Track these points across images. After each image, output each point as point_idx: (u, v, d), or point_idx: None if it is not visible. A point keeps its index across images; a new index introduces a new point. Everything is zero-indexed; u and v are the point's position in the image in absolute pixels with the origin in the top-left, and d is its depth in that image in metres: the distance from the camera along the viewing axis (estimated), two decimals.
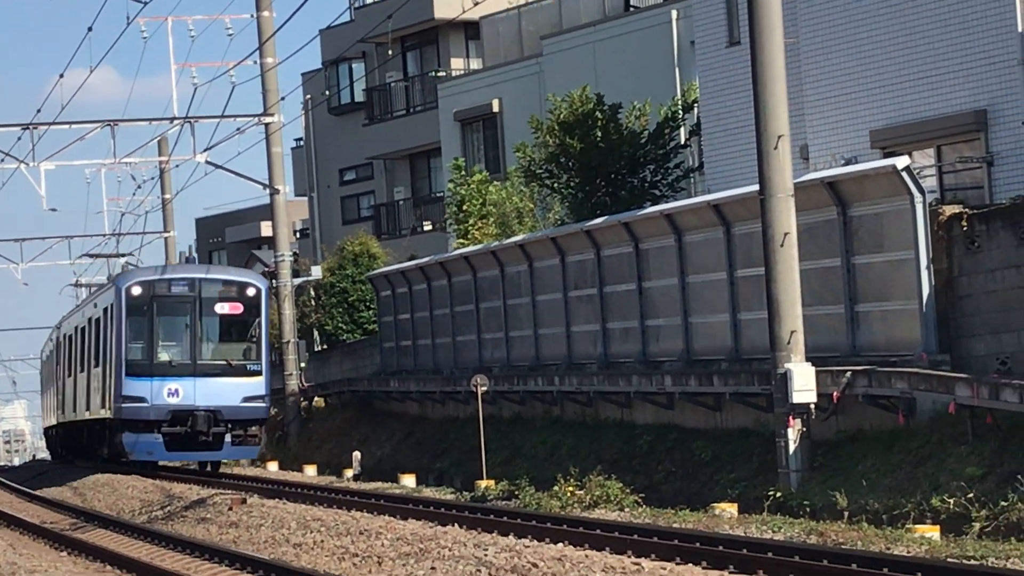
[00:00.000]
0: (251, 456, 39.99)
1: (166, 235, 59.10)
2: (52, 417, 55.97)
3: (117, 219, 57.11)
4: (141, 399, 36.08)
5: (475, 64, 54.73)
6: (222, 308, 37.36)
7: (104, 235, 59.07)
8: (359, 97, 59.93)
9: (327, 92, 58.06)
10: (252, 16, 42.92)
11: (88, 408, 42.45)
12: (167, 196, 58.20)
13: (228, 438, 36.49)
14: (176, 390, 36.27)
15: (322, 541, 20.72)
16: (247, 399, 36.62)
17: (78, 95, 42.59)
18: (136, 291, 36.84)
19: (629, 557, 16.98)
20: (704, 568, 15.88)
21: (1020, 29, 27.07)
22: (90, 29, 36.53)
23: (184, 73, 43.09)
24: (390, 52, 50.26)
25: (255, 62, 40.46)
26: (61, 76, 40.51)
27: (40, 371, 65.43)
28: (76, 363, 46.11)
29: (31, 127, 41.63)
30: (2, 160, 42.94)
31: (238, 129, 42.50)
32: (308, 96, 56.48)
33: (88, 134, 42.57)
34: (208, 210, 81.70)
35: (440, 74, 55.05)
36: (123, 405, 36.18)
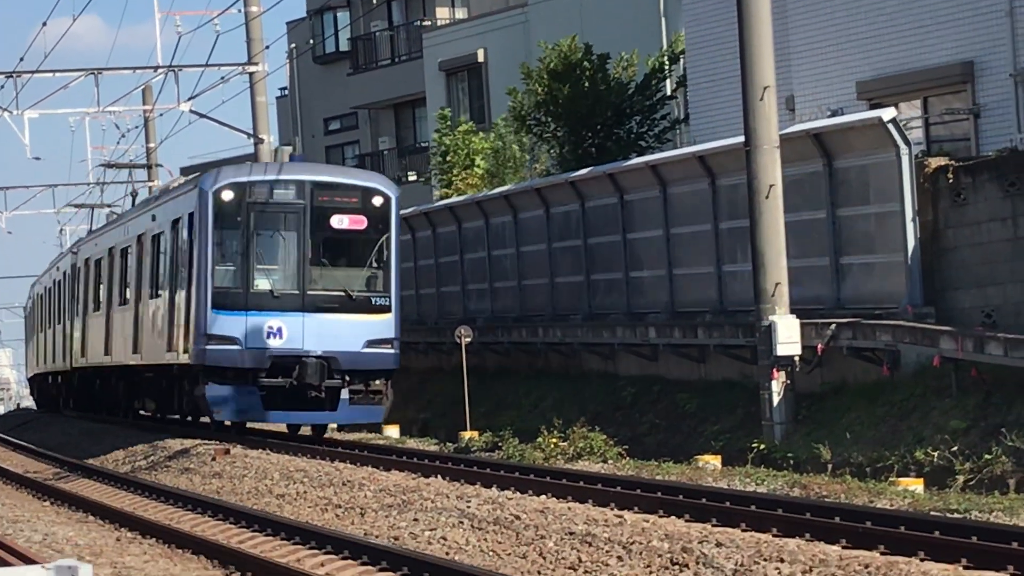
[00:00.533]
0: (375, 419, 29.53)
1: (150, 184, 58.78)
2: (50, 363, 49.33)
3: (100, 168, 56.70)
4: (232, 340, 26.85)
5: (460, 14, 54.70)
6: (340, 221, 27.60)
7: (88, 184, 58.84)
8: (344, 46, 59.84)
9: (312, 41, 58.04)
10: None
11: (137, 350, 33.33)
12: (151, 145, 57.81)
13: (345, 394, 27.15)
14: (279, 329, 26.85)
15: (305, 492, 20.80)
16: (372, 343, 27.18)
17: (62, 43, 42.14)
18: (227, 196, 27.30)
19: (612, 509, 17.04)
20: (687, 521, 15.92)
21: None
22: None
23: (168, 21, 43.08)
24: (375, 0, 49.92)
25: (239, 10, 39.87)
26: (44, 24, 40.48)
27: (24, 319, 65.27)
28: (112, 294, 37.43)
29: (14, 75, 41.17)
30: None
31: (222, 78, 42.14)
32: (293, 45, 56.68)
33: (72, 82, 42.08)
34: (193, 159, 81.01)
35: (425, 23, 54.94)
36: (207, 348, 26.95)
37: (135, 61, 73.98)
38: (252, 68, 41.80)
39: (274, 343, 26.52)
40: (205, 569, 15.50)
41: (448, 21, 54.66)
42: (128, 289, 35.13)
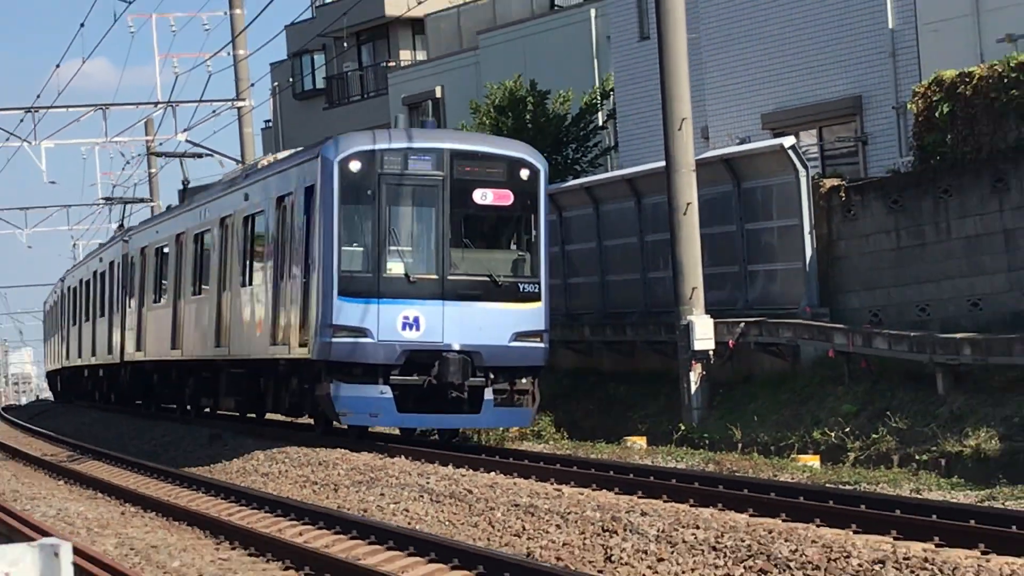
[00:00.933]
0: (522, 423, 22.47)
1: (152, 204, 58.26)
2: (87, 358, 43.49)
3: (109, 190, 56.54)
4: (361, 331, 20.17)
5: (421, 56, 54.30)
6: (483, 196, 20.93)
7: (98, 204, 58.37)
8: (320, 84, 59.32)
9: (292, 80, 57.55)
10: (225, 13, 42.41)
11: (222, 343, 26.43)
12: (153, 171, 57.60)
13: (488, 394, 20.46)
14: (415, 319, 20.25)
15: (286, 471, 20.32)
16: (520, 335, 20.65)
17: (74, 82, 42.64)
18: (355, 166, 20.45)
19: (551, 484, 16.89)
20: (616, 493, 15.84)
21: (890, 26, 27.10)
22: (82, 25, 36.77)
23: (167, 63, 43.90)
24: (346, 45, 49.59)
25: (228, 53, 39.84)
26: (57, 66, 40.45)
27: (45, 316, 64.84)
28: (181, 283, 30.29)
29: (32, 110, 40.99)
30: (7, 139, 42.15)
31: (214, 112, 42.27)
32: (275, 83, 56.35)
33: (83, 116, 42.07)
34: (191, 183, 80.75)
35: (390, 64, 54.55)
36: (333, 340, 20.18)
37: (138, 98, 73.52)
38: (240, 103, 41.64)
39: (410, 335, 19.94)
40: (198, 539, 15.20)
41: (410, 62, 54.35)
42: (206, 277, 28.03)
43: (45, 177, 46.05)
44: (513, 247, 21.37)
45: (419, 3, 31.87)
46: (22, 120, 42.06)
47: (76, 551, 12.53)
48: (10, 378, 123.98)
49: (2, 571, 4.02)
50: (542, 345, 20.82)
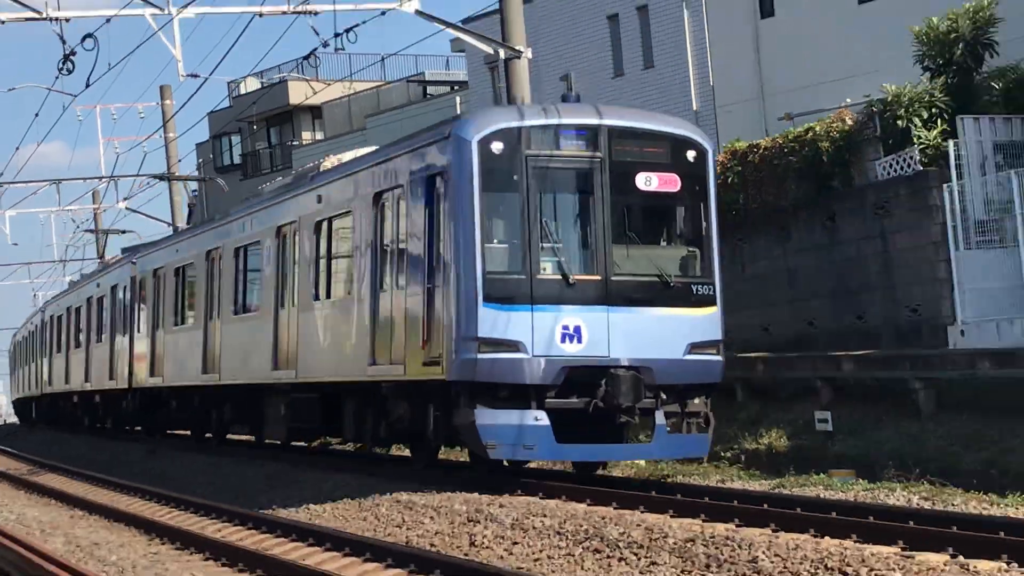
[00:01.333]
0: (700, 452, 16.33)
1: (99, 260, 58.90)
2: (76, 384, 37.98)
3: (63, 250, 58.50)
4: (513, 345, 14.42)
5: (319, 136, 55.40)
6: (647, 181, 15.22)
7: (54, 261, 59.80)
8: (237, 160, 60.10)
9: (212, 156, 58.58)
10: (157, 104, 44.10)
11: (281, 365, 20.25)
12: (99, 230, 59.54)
13: (660, 418, 14.97)
14: (576, 330, 14.64)
15: (213, 481, 20.40)
16: (696, 347, 15.14)
17: (33, 159, 44.29)
18: (498, 147, 14.70)
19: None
20: (479, 494, 15.37)
21: (694, 107, 28.76)
22: (36, 115, 37.60)
23: (110, 145, 47.30)
24: (255, 128, 50.61)
25: (161, 136, 41.04)
26: (17, 148, 42.75)
27: (14, 348, 64.23)
28: (213, 303, 24.12)
29: None
30: None
31: (149, 184, 44.14)
32: (200, 160, 57.48)
33: (40, 189, 43.49)
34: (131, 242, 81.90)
35: (293, 144, 55.59)
36: (479, 357, 14.39)
37: (87, 173, 73.35)
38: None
39: (570, 349, 14.34)
40: (134, 536, 15.45)
41: (310, 141, 55.45)
42: (254, 295, 22.50)
43: (8, 239, 47.15)
44: (682, 241, 15.66)
45: (315, 93, 32.78)
46: None
47: (28, 548, 13.09)
48: None
49: None
50: (719, 358, 15.14)
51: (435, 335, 14.62)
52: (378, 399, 16.82)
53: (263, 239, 21.34)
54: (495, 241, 14.77)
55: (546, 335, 14.17)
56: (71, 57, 19.44)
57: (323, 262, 18.95)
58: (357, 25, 18.68)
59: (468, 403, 14.22)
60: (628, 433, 15.09)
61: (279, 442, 22.26)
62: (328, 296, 18.62)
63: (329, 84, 38.26)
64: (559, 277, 14.51)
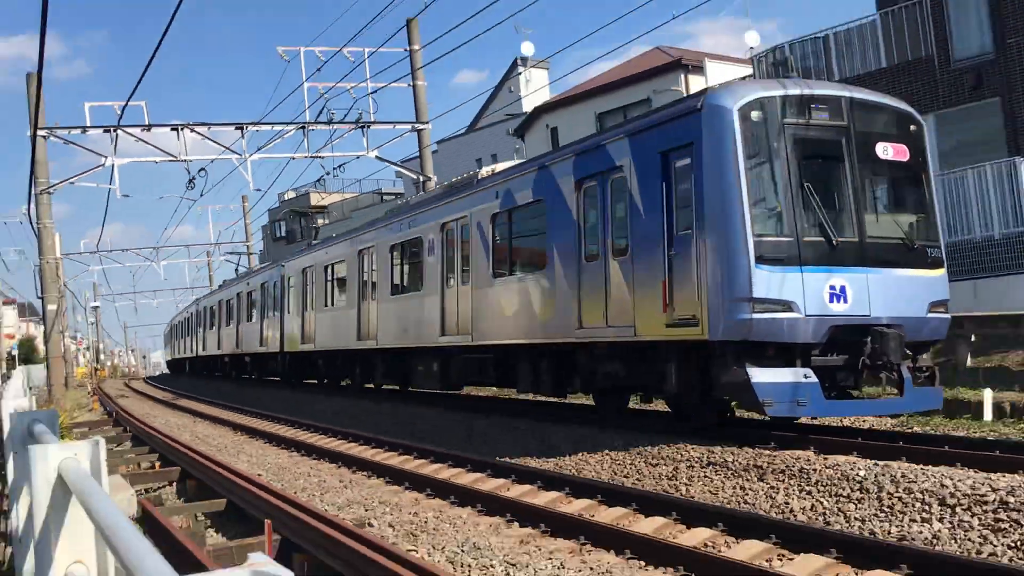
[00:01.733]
0: (937, 405, 14.49)
1: (214, 286, 69.94)
2: (218, 350, 46.96)
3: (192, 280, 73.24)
4: (786, 305, 12.79)
5: (326, 222, 68.21)
6: (884, 150, 14.13)
7: (186, 288, 76.48)
8: (283, 234, 73.50)
9: (272, 231, 72.93)
10: (239, 205, 55.65)
11: (455, 331, 19.86)
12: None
13: (906, 373, 13.41)
14: (842, 289, 13.13)
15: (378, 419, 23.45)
16: (934, 305, 13.98)
17: (175, 234, 56.78)
18: (757, 115, 13.30)
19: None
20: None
21: None
22: (175, 211, 52.73)
23: (216, 226, 60.41)
24: (292, 217, 65.75)
25: (242, 222, 52.14)
26: (165, 228, 60.31)
27: (165, 335, 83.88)
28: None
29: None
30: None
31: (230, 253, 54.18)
32: (263, 235, 70.63)
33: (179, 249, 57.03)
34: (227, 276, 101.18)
35: (313, 226, 67.43)
36: (753, 316, 12.66)
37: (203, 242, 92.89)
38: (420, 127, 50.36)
39: (837, 308, 13.14)
40: (244, 437, 22.98)
41: (322, 224, 69.68)
42: (412, 278, 22.31)
43: (162, 276, 57.03)
44: (912, 207, 14.62)
45: (322, 199, 44.02)
46: None
47: (163, 434, 18.45)
48: (150, 364, 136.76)
49: (71, 454, 3.87)
50: (948, 316, 14.24)
51: (684, 298, 13.48)
52: (572, 358, 16.75)
53: (424, 235, 21.69)
54: (759, 206, 13.24)
55: (816, 295, 12.86)
56: (193, 180, 30.75)
57: (501, 246, 18.65)
58: (344, 164, 30.29)
59: (736, 362, 12.88)
60: (895, 389, 13.65)
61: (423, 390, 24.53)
62: (512, 273, 18.14)
63: (330, 194, 52.82)
64: (823, 239, 13.19)
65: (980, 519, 8.73)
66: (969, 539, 8.45)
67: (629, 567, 8.25)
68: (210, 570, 2.55)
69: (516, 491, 11.75)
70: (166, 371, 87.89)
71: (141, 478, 14.40)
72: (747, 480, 11.20)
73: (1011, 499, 8.82)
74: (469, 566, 8.28)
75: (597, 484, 11.30)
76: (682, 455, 12.76)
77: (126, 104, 24.06)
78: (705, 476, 11.75)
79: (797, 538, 8.58)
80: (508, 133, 43.96)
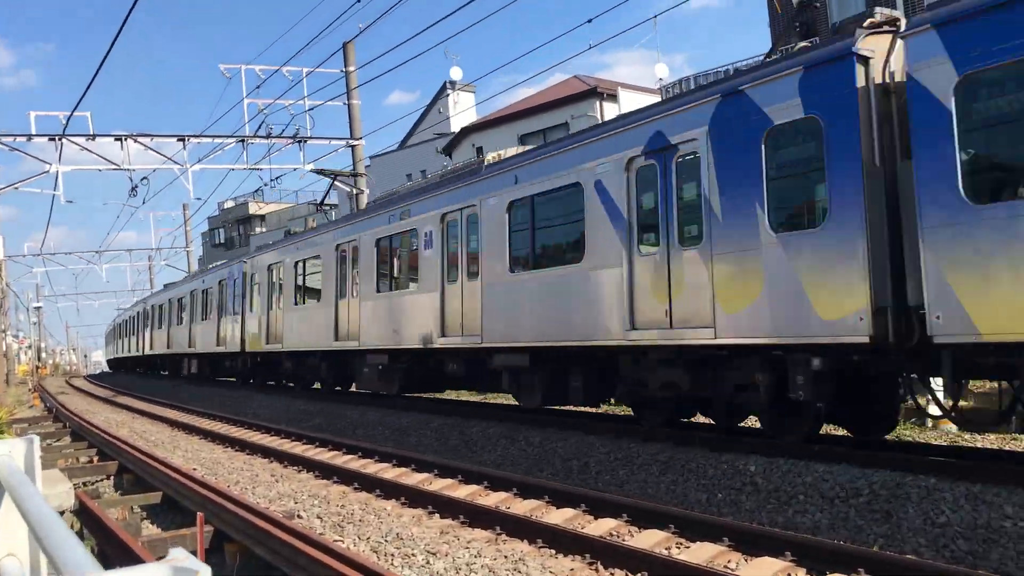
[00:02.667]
0: None
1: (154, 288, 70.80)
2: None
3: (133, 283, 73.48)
4: None
5: (263, 230, 66.68)
6: None
7: (127, 290, 78.00)
8: (222, 241, 73.45)
9: (211, 239, 72.76)
10: (180, 213, 54.88)
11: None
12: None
13: None
14: None
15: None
16: None
17: (116, 240, 55.15)
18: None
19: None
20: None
21: None
22: (118, 216, 49.13)
23: (158, 232, 59.35)
24: (231, 224, 64.30)
25: (183, 229, 51.34)
26: (108, 233, 55.29)
27: (107, 335, 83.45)
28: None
29: None
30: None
31: (178, 250, 53.40)
32: (203, 241, 68.74)
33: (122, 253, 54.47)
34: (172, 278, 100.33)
35: (251, 233, 67.38)
36: None
37: (146, 247, 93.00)
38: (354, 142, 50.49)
39: None
40: (170, 430, 23.84)
41: (259, 232, 68.60)
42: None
43: (104, 278, 56.92)
44: None
45: (260, 208, 43.64)
46: None
47: (101, 430, 18.53)
48: (91, 363, 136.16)
49: (5, 451, 3.81)
50: None
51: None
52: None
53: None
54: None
55: None
56: (136, 188, 30.14)
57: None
58: (281, 176, 29.93)
59: None
60: None
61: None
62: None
63: (268, 204, 52.37)
64: None
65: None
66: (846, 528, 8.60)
67: (540, 555, 8.31)
68: (143, 560, 2.55)
69: (438, 484, 11.78)
70: (107, 369, 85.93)
71: (79, 472, 14.13)
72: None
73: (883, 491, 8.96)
74: (392, 555, 8.25)
75: (513, 479, 11.24)
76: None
77: (71, 114, 23.51)
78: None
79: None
80: (437, 151, 44.14)
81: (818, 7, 24.28)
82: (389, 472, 12.91)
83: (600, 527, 9.00)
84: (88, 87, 32.39)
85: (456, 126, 44.78)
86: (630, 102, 32.66)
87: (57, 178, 27.90)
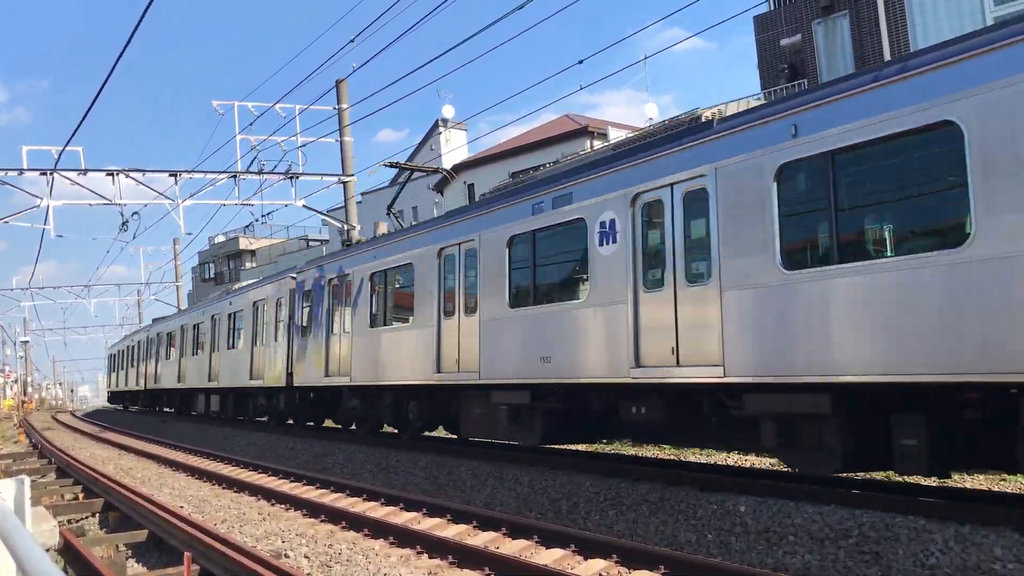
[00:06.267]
0: None
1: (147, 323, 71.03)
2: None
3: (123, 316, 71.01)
4: None
5: (252, 265, 68.84)
6: None
7: (117, 325, 71.58)
8: (212, 275, 73.30)
9: (201, 273, 73.86)
10: (171, 248, 54.69)
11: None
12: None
13: None
14: None
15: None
16: None
17: (107, 274, 55.09)
18: None
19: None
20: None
21: None
22: (108, 251, 49.38)
23: (147, 266, 57.29)
24: (222, 259, 64.77)
25: (172, 263, 51.21)
26: (98, 267, 55.05)
27: (107, 363, 70.82)
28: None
29: None
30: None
31: (167, 285, 53.31)
32: (193, 276, 68.74)
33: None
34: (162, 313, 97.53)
35: (242, 268, 68.15)
36: None
37: (136, 281, 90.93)
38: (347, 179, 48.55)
39: None
40: (165, 470, 24.42)
41: (250, 268, 67.86)
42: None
43: (93, 313, 54.79)
44: None
45: (251, 244, 43.61)
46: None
47: (87, 467, 18.66)
48: (77, 398, 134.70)
49: None
50: None
51: None
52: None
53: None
54: None
55: None
56: (126, 223, 30.22)
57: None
58: (272, 212, 29.91)
59: None
60: None
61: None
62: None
63: (259, 239, 52.66)
64: None
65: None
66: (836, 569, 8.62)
67: None
68: None
69: (427, 524, 11.71)
70: (104, 405, 78.98)
71: (64, 509, 14.06)
72: None
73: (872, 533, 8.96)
74: None
75: (502, 518, 11.21)
76: None
77: (63, 149, 23.57)
78: None
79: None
80: (429, 188, 44.22)
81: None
82: (377, 511, 12.86)
83: (590, 568, 8.99)
84: (80, 123, 32.56)
85: (448, 163, 44.72)
86: None
87: (48, 212, 27.96)
